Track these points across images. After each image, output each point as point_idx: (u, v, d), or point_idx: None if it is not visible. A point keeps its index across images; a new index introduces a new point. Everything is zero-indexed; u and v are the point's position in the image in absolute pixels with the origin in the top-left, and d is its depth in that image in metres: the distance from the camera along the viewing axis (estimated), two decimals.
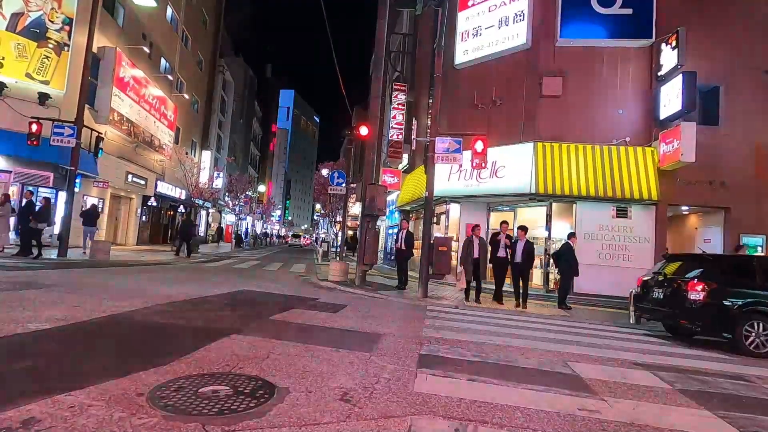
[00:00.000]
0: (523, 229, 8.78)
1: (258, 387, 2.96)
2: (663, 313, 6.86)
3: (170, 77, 22.46)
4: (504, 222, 9.00)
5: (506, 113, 12.33)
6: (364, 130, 10.52)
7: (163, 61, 22.44)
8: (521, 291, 8.76)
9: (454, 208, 13.86)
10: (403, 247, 10.51)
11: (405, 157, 19.18)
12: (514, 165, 11.70)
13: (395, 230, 21.28)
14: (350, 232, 38.24)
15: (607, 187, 10.97)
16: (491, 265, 9.19)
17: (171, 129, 23.04)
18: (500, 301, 9.06)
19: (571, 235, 10.61)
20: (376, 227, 11.89)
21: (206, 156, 30.46)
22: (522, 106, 12.16)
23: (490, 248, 9.00)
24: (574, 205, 11.54)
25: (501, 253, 8.71)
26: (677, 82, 10.37)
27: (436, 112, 9.91)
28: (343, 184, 16.48)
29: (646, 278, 7.53)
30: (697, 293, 6.13)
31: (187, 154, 26.32)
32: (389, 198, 19.52)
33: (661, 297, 6.82)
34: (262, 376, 3.17)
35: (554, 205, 11.75)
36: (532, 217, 12.50)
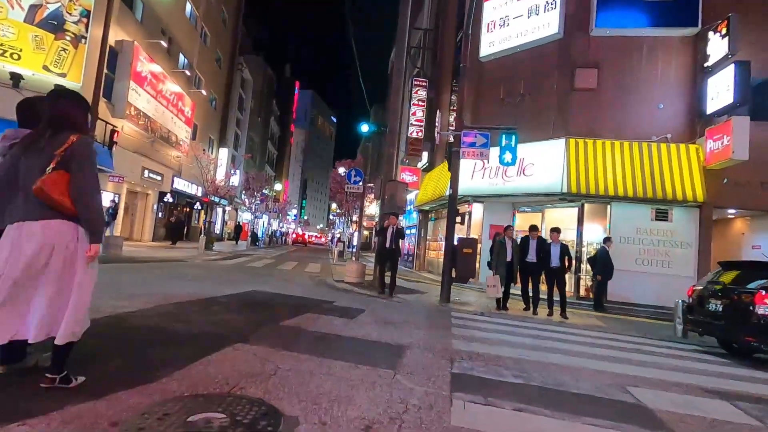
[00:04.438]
0: (557, 231, 8.07)
1: (261, 415, 2.41)
2: (721, 328, 6.09)
3: (188, 73, 22.34)
4: (534, 227, 8.27)
5: (535, 108, 11.60)
6: None
7: (181, 56, 22.33)
8: (560, 298, 8.02)
9: (477, 208, 13.18)
10: (393, 247, 8.79)
11: (425, 154, 18.56)
12: (544, 162, 10.96)
13: (413, 230, 20.68)
14: (365, 232, 37.75)
15: (647, 187, 10.14)
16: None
17: (188, 125, 22.92)
18: (528, 307, 8.39)
19: (607, 240, 9.90)
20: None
21: (223, 153, 30.36)
22: (553, 100, 11.41)
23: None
24: (609, 206, 10.73)
25: (531, 257, 8.01)
26: (728, 72, 9.48)
27: (462, 104, 9.26)
28: (360, 183, 15.96)
29: (698, 288, 6.75)
30: (766, 306, 5.35)
31: (204, 151, 26.22)
32: (407, 197, 18.91)
33: (720, 310, 6.04)
34: (268, 399, 2.61)
35: (586, 205, 10.96)
36: (561, 218, 11.72)
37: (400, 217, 22.92)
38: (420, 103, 18.05)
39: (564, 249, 7.94)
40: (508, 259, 8.11)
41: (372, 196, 27.52)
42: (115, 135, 12.96)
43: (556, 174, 10.59)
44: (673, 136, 10.49)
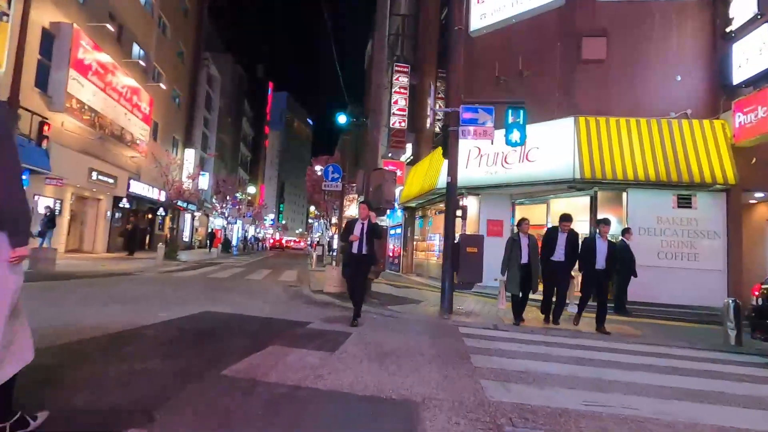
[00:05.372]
0: (606, 223, 6.44)
1: None
2: None
3: (142, 63, 20.11)
4: (567, 217, 6.64)
5: (537, 85, 10.20)
6: None
7: (136, 47, 20.13)
8: (597, 308, 6.43)
9: (472, 202, 11.70)
10: (363, 251, 5.72)
11: (408, 147, 17.04)
12: (550, 146, 9.57)
13: (398, 230, 19.02)
14: None
15: (671, 169, 8.84)
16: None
17: (146, 123, 20.70)
18: (547, 318, 6.81)
19: (626, 231, 8.54)
20: (383, 226, 9.70)
21: (189, 154, 28.10)
22: (556, 75, 10.05)
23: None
24: (625, 193, 9.41)
25: (558, 256, 6.50)
26: (759, 35, 8.26)
27: (459, 74, 7.72)
28: (339, 180, 14.33)
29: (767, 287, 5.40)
30: None
31: (167, 151, 24.02)
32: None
33: None
34: None
35: (599, 193, 9.61)
36: (568, 209, 10.31)
37: (382, 218, 21.23)
38: (402, 90, 16.52)
39: (611, 247, 6.33)
40: (523, 260, 6.52)
41: (352, 196, 25.79)
42: (46, 128, 10.88)
43: (565, 158, 9.20)
44: (693, 112, 9.27)
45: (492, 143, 8.03)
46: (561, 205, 10.59)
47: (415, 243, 16.98)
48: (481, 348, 4.83)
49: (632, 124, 9.30)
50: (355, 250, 5.74)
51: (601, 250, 6.23)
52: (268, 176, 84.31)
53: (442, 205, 13.89)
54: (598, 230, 6.40)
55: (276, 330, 4.96)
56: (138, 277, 10.10)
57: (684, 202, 9.24)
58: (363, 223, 5.82)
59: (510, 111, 7.48)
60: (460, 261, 7.35)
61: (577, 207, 10.12)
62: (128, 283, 8.82)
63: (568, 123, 9.43)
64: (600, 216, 9.64)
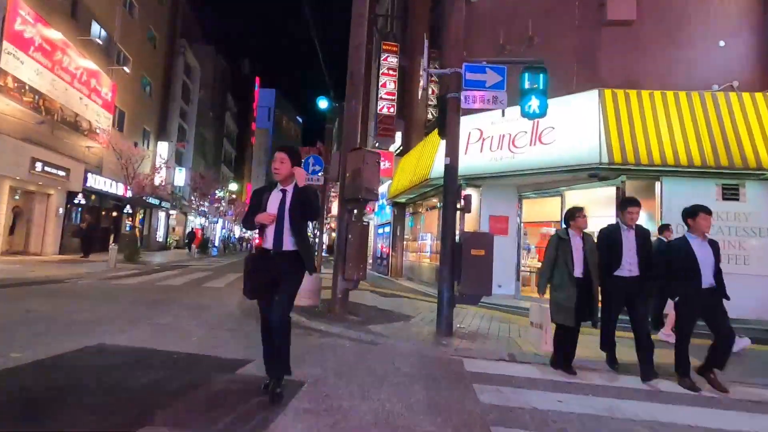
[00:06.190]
0: (707, 211, 4.03)
1: None
2: None
3: (100, 42, 18.02)
4: (631, 201, 4.31)
5: (550, 54, 8.43)
6: None
7: (95, 25, 18.08)
8: (719, 347, 3.93)
9: (472, 196, 9.95)
10: (286, 246, 2.94)
11: (398, 136, 15.30)
12: (569, 125, 7.88)
13: (387, 228, 17.17)
14: (333, 234, 34.11)
15: (719, 154, 7.19)
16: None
17: (108, 110, 18.65)
18: (615, 361, 4.47)
19: (664, 228, 6.85)
20: (364, 222, 7.94)
21: (163, 147, 25.99)
22: (574, 41, 8.38)
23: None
24: (658, 182, 7.77)
25: (628, 269, 4.12)
26: None
27: (459, 25, 5.98)
28: (321, 173, 12.54)
29: None
30: None
31: (135, 143, 21.94)
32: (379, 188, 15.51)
33: None
34: None
35: (627, 182, 7.95)
36: (585, 202, 8.67)
37: (371, 215, 19.38)
38: (390, 72, 14.76)
39: (717, 250, 4.03)
40: (578, 273, 4.17)
41: (335, 192, 23.98)
42: None
43: (589, 139, 7.52)
44: (741, 84, 7.67)
45: (503, 115, 6.31)
46: (579, 197, 8.92)
47: (405, 243, 15.24)
48: (503, 408, 3.10)
49: (669, 99, 7.65)
50: (269, 243, 2.95)
51: (706, 256, 3.94)
52: (255, 175, 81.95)
53: (434, 200, 12.22)
54: (688, 227, 4.15)
55: (185, 381, 3.15)
56: (64, 287, 8.19)
57: (730, 194, 7.62)
58: (284, 191, 3.02)
59: (527, 75, 5.77)
60: (463, 267, 5.62)
61: (600, 201, 8.48)
62: (38, 295, 6.91)
63: (592, 97, 7.75)
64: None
